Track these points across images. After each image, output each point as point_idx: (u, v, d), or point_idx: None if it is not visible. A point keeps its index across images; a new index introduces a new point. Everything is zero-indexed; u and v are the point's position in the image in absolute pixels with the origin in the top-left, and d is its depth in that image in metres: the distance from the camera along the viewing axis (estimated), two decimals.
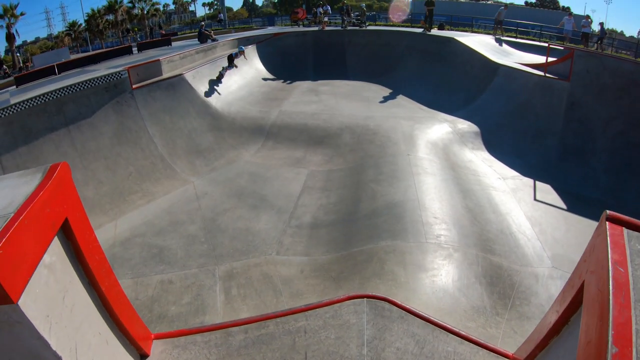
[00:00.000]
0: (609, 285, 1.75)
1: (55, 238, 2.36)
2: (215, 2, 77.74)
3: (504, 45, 21.02)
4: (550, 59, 14.34)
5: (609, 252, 1.91)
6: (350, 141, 12.43)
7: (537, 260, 7.83)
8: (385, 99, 16.67)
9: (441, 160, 11.08)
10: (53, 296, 2.24)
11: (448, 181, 10.00)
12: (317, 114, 14.22)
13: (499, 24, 24.18)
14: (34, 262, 2.09)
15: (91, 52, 28.30)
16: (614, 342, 1.53)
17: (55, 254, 2.33)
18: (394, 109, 15.23)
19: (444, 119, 13.85)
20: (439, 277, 6.59)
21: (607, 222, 2.11)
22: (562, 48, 17.21)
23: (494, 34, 24.46)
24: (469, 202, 9.37)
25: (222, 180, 10.87)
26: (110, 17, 60.96)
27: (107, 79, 11.63)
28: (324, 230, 8.59)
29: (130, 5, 62.41)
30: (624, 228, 2.08)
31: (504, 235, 8.47)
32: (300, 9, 31.09)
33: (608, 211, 2.15)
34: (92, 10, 61.20)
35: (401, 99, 16.68)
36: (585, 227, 9.08)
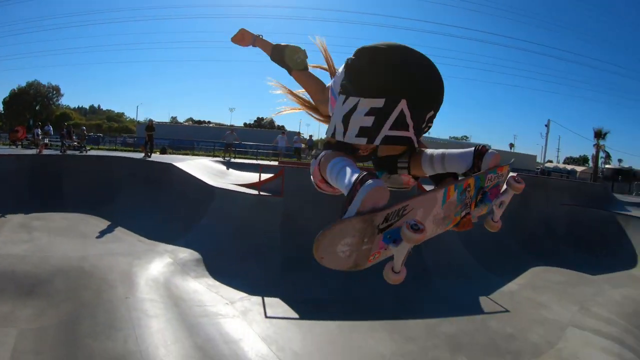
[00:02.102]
0: None
1: None
2: None
3: (223, 167, 22.29)
4: (266, 176, 15.47)
5: None
6: (64, 288, 10.44)
7: None
8: (103, 233, 15.12)
9: (163, 297, 10.23)
10: None
11: (171, 321, 9.19)
12: (28, 257, 11.76)
13: (229, 147, 26.13)
14: None
15: None
16: None
17: None
18: (111, 244, 13.83)
19: (164, 250, 13.17)
20: None
21: None
22: (277, 164, 19.09)
23: (223, 156, 26.29)
24: (197, 340, 8.73)
25: None
26: None
27: None
28: None
29: None
30: None
31: None
32: (21, 127, 28.01)
33: None
34: None
35: (120, 232, 15.35)
36: (321, 329, 9.47)
